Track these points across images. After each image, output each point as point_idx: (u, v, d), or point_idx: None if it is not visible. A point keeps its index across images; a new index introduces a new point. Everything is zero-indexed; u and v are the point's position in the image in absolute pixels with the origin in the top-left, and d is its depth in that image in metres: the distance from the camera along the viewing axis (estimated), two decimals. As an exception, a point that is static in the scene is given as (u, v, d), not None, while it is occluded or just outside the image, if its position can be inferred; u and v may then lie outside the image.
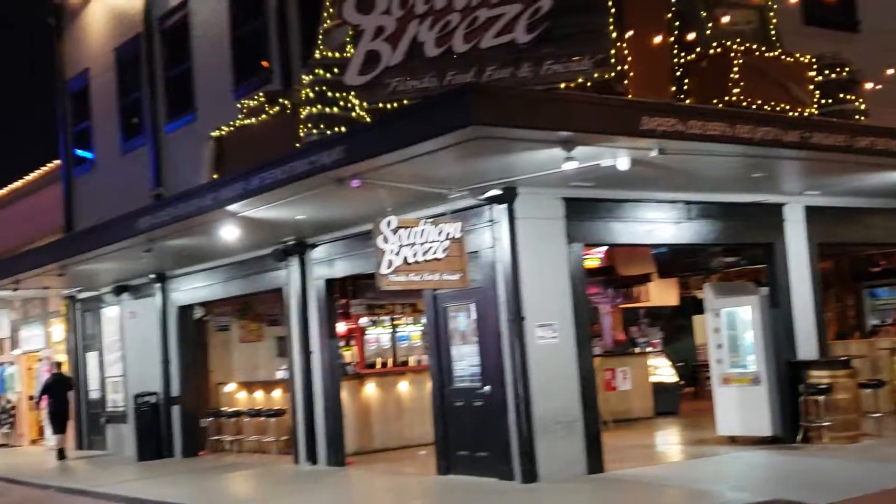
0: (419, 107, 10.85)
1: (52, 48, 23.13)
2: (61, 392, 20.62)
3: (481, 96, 9.39)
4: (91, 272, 18.60)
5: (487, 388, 12.23)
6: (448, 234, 11.36)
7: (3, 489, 17.20)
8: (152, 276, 18.95)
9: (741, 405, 13.78)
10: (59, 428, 20.51)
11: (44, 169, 24.50)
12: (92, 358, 21.93)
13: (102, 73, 21.30)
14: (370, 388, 16.69)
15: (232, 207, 12.66)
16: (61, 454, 20.09)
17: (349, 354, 17.74)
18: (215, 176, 14.70)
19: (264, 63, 16.87)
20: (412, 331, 18.30)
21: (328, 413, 15.09)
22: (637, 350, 19.34)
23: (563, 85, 11.57)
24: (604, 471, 12.07)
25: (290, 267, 15.64)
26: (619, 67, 11.63)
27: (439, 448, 13.06)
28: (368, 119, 12.09)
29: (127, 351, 20.54)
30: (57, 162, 23.49)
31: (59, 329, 23.33)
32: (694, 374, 22.81)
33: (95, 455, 20.89)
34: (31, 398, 24.79)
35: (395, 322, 18.22)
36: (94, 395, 21.77)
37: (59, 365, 21.75)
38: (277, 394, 17.56)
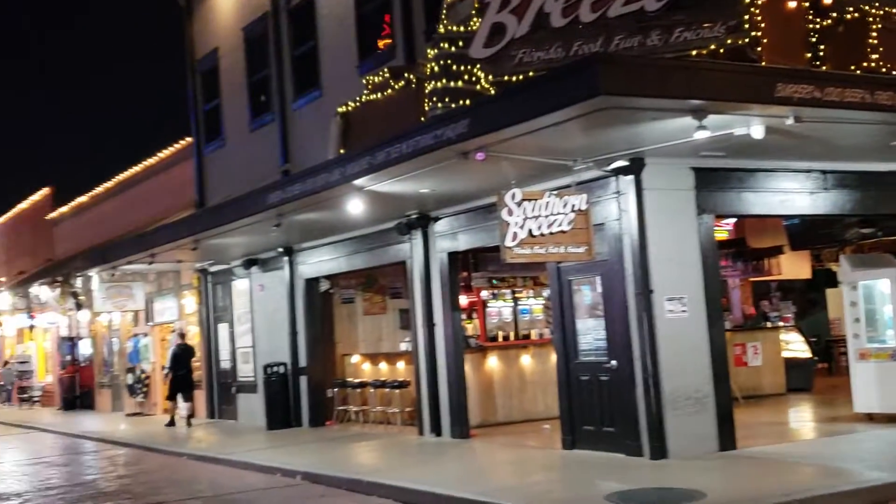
0: (545, 78, 10.71)
1: (182, 29, 23.73)
2: (186, 361, 21.92)
3: (610, 66, 9.21)
4: (222, 246, 19.14)
5: (614, 362, 12.09)
6: (573, 206, 11.22)
7: (139, 457, 17.91)
8: (280, 249, 19.39)
9: (879, 381, 13.27)
10: (186, 396, 21.77)
11: (176, 146, 25.27)
12: (223, 329, 22.61)
13: (231, 52, 21.78)
14: (492, 361, 16.72)
15: (358, 182, 12.80)
16: (189, 421, 21.44)
17: (470, 327, 17.79)
18: (342, 151, 14.90)
19: (381, 43, 16.96)
20: (533, 304, 18.22)
21: (452, 385, 15.20)
22: (768, 324, 18.83)
23: (693, 52, 11.26)
24: (736, 448, 11.82)
25: (414, 240, 15.76)
26: (752, 33, 11.24)
27: (564, 422, 13.00)
28: (493, 92, 12.03)
29: (256, 322, 21.11)
30: (189, 139, 24.18)
31: (191, 301, 24.09)
32: (828, 349, 22.11)
33: (226, 423, 21.59)
34: (163, 368, 25.77)
35: (516, 295, 18.17)
36: (224, 365, 22.45)
37: (182, 336, 22.86)
38: (401, 365, 17.79)
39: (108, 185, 29.95)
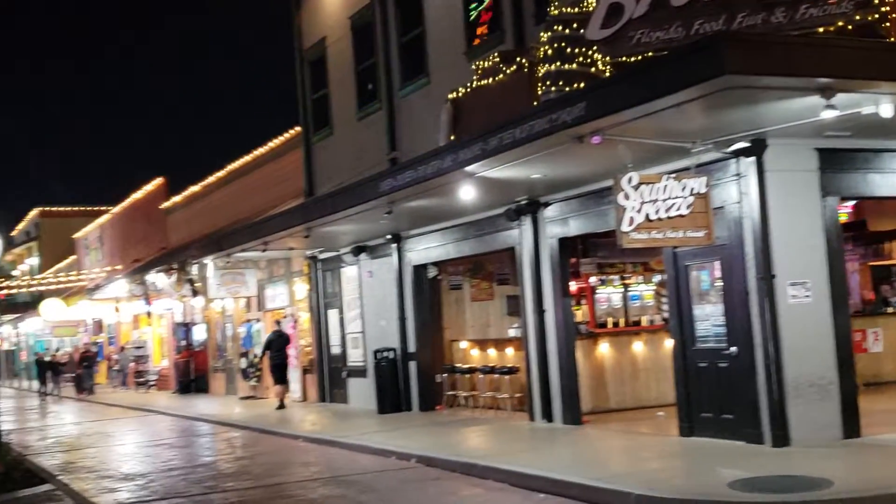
0: (666, 59, 10.53)
1: (291, 19, 24.05)
2: (281, 347, 23.06)
3: (735, 44, 9.00)
4: (333, 234, 19.42)
5: (734, 349, 11.86)
6: (692, 189, 11.03)
7: (255, 439, 18.32)
8: (388, 236, 19.57)
9: None
10: (281, 379, 22.98)
11: (285, 136, 25.69)
12: (332, 315, 22.96)
13: (338, 40, 22.00)
14: (603, 348, 16.58)
15: (470, 168, 12.83)
16: (281, 403, 22.52)
17: (579, 314, 17.65)
18: (452, 138, 14.92)
19: (484, 29, 16.88)
20: (644, 290, 17.95)
21: (563, 371, 15.13)
22: (889, 310, 18.19)
23: (820, 29, 10.92)
24: (860, 436, 11.49)
25: (523, 226, 15.72)
26: (882, 9, 10.84)
27: (681, 409, 12.82)
28: (611, 74, 11.88)
29: (365, 308, 21.38)
30: (297, 129, 24.55)
31: (301, 288, 24.51)
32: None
33: (337, 407, 21.94)
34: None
35: (625, 281, 17.94)
36: (335, 350, 22.80)
37: (278, 322, 24.09)
38: (510, 351, 17.78)
39: (219, 174, 30.65)
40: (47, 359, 38.14)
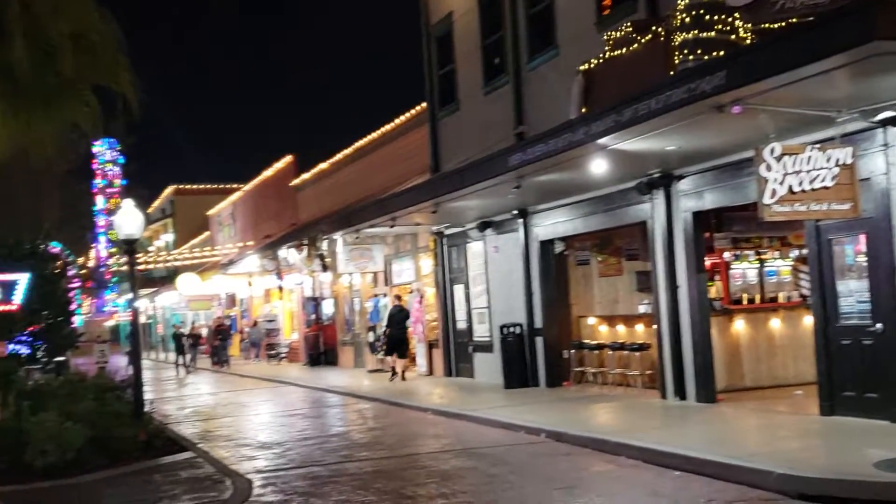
0: (811, 24, 10.15)
1: (417, -5, 24.14)
2: (401, 322, 23.77)
3: (884, 9, 8.57)
4: (459, 209, 19.49)
5: (879, 325, 11.42)
6: (837, 160, 10.64)
7: (385, 410, 18.61)
8: (515, 211, 19.52)
9: None
10: (401, 353, 23.77)
11: (411, 112, 25.86)
12: (458, 290, 23.09)
13: (465, 15, 21.97)
14: (739, 325, 16.19)
15: (602, 141, 12.66)
16: (402, 376, 23.34)
17: (713, 290, 17.28)
18: (583, 110, 14.74)
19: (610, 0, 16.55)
20: (781, 265, 17.46)
21: (697, 348, 14.86)
22: None
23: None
24: None
25: (655, 200, 15.45)
26: None
27: (822, 388, 12.44)
28: (752, 41, 11.52)
29: (491, 284, 21.42)
30: (423, 105, 24.67)
31: (427, 263, 24.72)
32: None
33: (464, 381, 22.09)
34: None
35: (761, 256, 17.46)
36: (461, 325, 22.93)
37: (398, 297, 24.68)
38: (639, 328, 17.56)
39: (347, 151, 31.11)
40: (184, 331, 39.44)
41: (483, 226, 21.01)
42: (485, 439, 13.82)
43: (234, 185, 52.14)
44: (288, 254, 28.98)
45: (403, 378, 23.21)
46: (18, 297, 9.46)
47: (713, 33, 11.70)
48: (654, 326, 15.97)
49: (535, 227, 19.44)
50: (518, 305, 19.97)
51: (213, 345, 38.51)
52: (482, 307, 21.89)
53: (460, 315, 23.02)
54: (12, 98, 10.91)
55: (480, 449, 12.90)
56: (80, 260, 48.29)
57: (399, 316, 23.93)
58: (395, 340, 23.82)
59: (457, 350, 23.23)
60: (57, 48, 11.00)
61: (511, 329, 19.80)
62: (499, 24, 20.48)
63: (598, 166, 13.86)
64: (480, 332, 21.97)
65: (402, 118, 26.59)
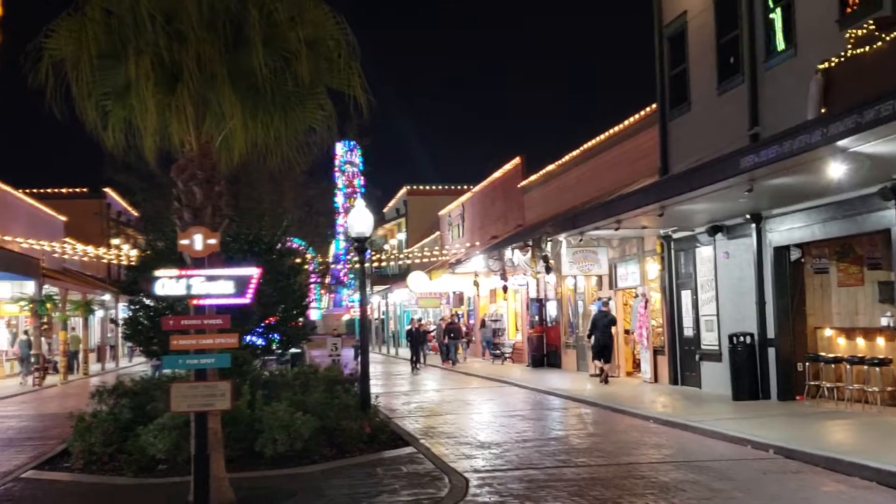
0: None
1: (649, -5, 23.69)
2: (606, 328, 24.64)
3: None
4: (687, 212, 18.96)
5: None
6: None
7: (605, 416, 18.37)
8: (747, 216, 18.80)
9: None
10: (606, 358, 24.60)
11: (640, 114, 25.42)
12: (685, 296, 22.47)
13: (699, 14, 21.34)
14: None
15: (842, 143, 11.98)
16: (605, 379, 24.19)
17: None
18: (823, 111, 13.97)
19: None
20: None
21: (947, 367, 13.74)
22: None
23: None
24: None
25: (900, 206, 14.43)
26: None
27: None
28: None
29: (720, 291, 20.71)
30: (652, 106, 24.19)
31: (653, 267, 24.20)
32: None
33: (689, 390, 21.48)
34: (626, 332, 26.28)
35: None
36: (687, 332, 22.31)
37: (605, 304, 25.50)
38: (881, 342, 16.50)
39: (574, 153, 30.99)
40: (429, 329, 40.36)
41: (713, 230, 20.33)
42: (708, 452, 13.38)
43: (465, 186, 53.15)
44: (513, 255, 29.20)
45: (606, 381, 23.98)
46: (251, 291, 9.96)
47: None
48: (899, 341, 14.92)
49: (768, 232, 18.63)
50: (749, 314, 19.21)
51: (444, 343, 39.16)
52: (710, 314, 21.20)
53: (687, 322, 22.41)
54: (252, 102, 11.52)
55: (703, 462, 12.49)
56: (319, 256, 50.72)
57: (604, 321, 24.68)
58: (601, 345, 24.63)
59: (683, 358, 22.62)
60: (294, 54, 11.49)
61: (741, 338, 19.07)
62: (734, 22, 19.75)
63: (837, 170, 13.10)
64: (708, 340, 21.29)
65: (632, 119, 26.19)
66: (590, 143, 29.47)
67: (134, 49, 10.74)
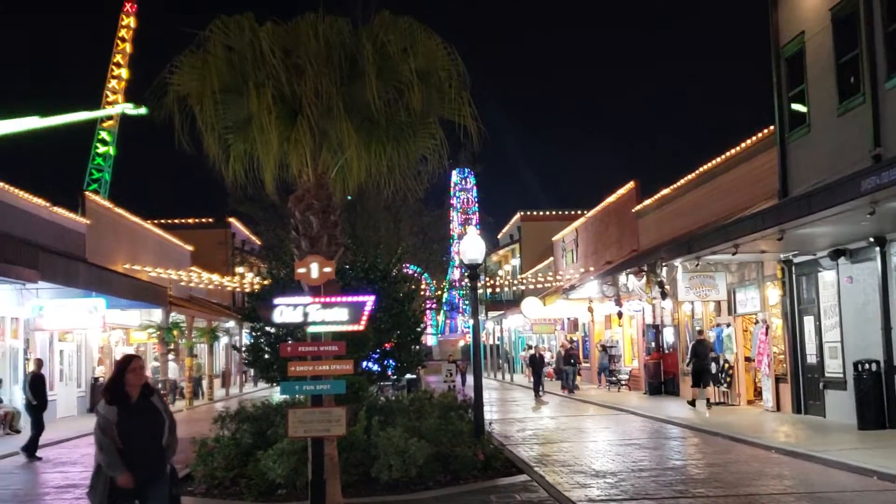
0: None
1: (767, 16, 23.22)
2: (704, 354, 25.28)
3: None
4: (808, 236, 18.49)
5: None
6: None
7: (725, 446, 17.95)
8: (870, 239, 18.23)
9: None
10: (704, 383, 25.25)
11: (758, 135, 24.91)
12: (808, 322, 21.84)
13: (817, 34, 20.83)
14: None
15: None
16: (705, 404, 24.70)
17: None
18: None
19: None
20: None
21: None
22: None
23: None
24: None
25: None
26: None
27: None
28: None
29: (844, 316, 20.06)
30: (770, 128, 23.68)
31: (774, 292, 23.60)
32: None
33: (812, 420, 20.83)
34: (746, 359, 25.66)
35: None
36: (810, 359, 21.67)
37: (700, 332, 26.30)
38: None
39: (689, 176, 30.54)
40: (531, 353, 39.67)
41: (835, 254, 19.74)
42: (832, 483, 12.98)
43: (577, 212, 52.93)
44: (628, 280, 28.89)
45: (693, 404, 24.79)
46: (365, 318, 10.16)
47: None
48: None
49: (894, 255, 17.99)
50: (874, 340, 18.55)
51: (562, 369, 38.56)
52: (834, 341, 20.54)
53: (810, 349, 21.76)
54: (366, 133, 11.79)
55: (827, 493, 12.13)
56: (434, 282, 51.16)
57: (701, 349, 25.41)
58: (698, 371, 25.22)
59: (806, 386, 21.96)
60: (407, 85, 11.74)
61: (866, 365, 18.42)
62: (854, 42, 19.22)
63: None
64: (832, 367, 20.62)
65: (748, 141, 25.69)
66: (706, 166, 29.01)
67: (255, 83, 11.14)
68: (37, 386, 20.11)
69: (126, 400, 7.83)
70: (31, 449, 19.54)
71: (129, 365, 7.96)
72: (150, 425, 7.87)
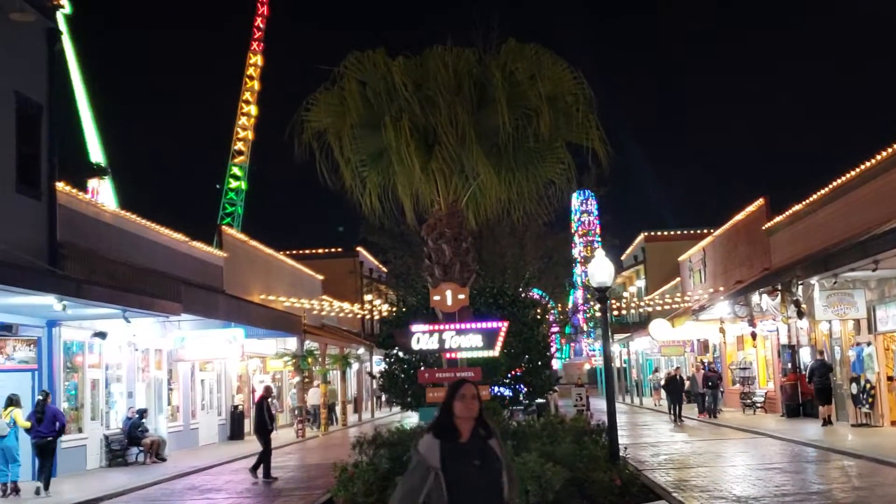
0: None
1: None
2: (824, 373, 26.13)
3: None
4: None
5: None
6: None
7: (870, 468, 17.30)
8: None
9: None
10: (823, 401, 26.33)
11: (894, 147, 24.09)
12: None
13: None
14: None
15: None
16: (826, 422, 25.81)
17: None
18: None
19: None
20: None
21: None
22: None
23: None
24: None
25: None
26: None
27: None
28: None
29: None
30: (908, 139, 22.90)
31: (918, 310, 22.72)
32: None
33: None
34: (889, 378, 24.69)
35: None
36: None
37: (821, 353, 27.49)
38: None
39: (823, 191, 29.68)
40: (672, 374, 37.96)
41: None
42: None
43: (704, 231, 51.93)
44: (760, 300, 28.20)
45: (827, 423, 25.54)
46: (499, 343, 10.27)
47: None
48: None
49: None
50: None
51: (701, 393, 37.28)
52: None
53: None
54: (496, 161, 11.96)
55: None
56: (559, 306, 50.97)
57: (821, 369, 26.25)
58: (818, 391, 26.19)
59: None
60: (535, 111, 11.87)
61: None
62: None
63: None
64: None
65: (886, 152, 24.83)
66: (841, 180, 28.15)
67: (390, 116, 11.44)
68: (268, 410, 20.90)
69: (455, 437, 5.74)
70: (266, 472, 20.12)
71: (458, 390, 5.78)
72: (486, 473, 5.68)
